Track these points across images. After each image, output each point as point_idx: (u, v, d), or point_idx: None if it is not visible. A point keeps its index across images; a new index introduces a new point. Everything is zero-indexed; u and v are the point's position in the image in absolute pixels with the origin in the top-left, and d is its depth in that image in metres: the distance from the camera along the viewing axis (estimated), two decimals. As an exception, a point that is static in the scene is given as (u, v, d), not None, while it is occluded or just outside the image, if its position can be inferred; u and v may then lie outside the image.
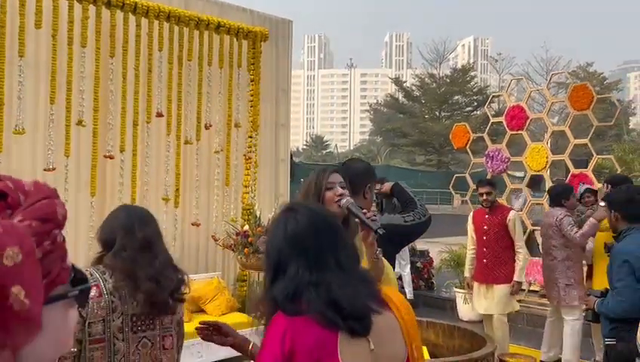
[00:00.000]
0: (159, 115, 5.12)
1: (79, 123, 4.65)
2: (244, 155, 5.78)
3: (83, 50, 4.65)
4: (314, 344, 1.20)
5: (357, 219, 2.17)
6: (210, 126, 5.52)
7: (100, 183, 4.96)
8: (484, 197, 5.12)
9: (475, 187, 6.47)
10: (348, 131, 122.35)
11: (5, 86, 4.27)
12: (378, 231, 2.10)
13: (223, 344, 1.88)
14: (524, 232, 6.11)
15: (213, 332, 1.91)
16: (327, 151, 60.24)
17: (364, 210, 2.17)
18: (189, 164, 5.50)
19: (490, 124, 7.66)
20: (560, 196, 5.15)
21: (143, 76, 5.04)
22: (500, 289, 4.98)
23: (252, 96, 5.83)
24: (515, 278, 4.93)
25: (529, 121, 7.03)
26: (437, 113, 31.39)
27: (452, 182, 8.04)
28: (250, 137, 5.83)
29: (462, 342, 4.54)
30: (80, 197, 4.81)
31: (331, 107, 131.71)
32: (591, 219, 4.83)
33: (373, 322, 1.25)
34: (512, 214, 5.00)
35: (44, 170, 4.50)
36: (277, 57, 6.38)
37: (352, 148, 72.95)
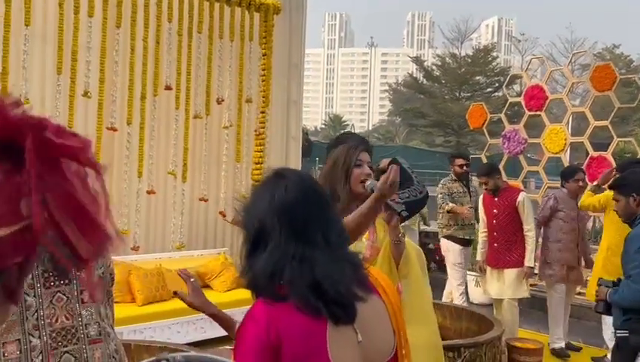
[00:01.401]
0: (168, 87, 5.04)
1: (85, 94, 4.59)
2: (255, 131, 5.69)
3: (90, 19, 4.57)
4: (301, 335, 1.08)
5: None
6: (222, 100, 5.43)
7: (106, 156, 4.91)
8: (484, 186, 5.03)
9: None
10: (367, 111, 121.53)
11: (10, 55, 4.22)
12: (402, 213, 2.02)
13: (202, 309, 1.76)
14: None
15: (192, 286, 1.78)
16: (345, 131, 59.91)
17: None
18: (199, 138, 5.43)
19: (507, 104, 7.45)
20: (562, 178, 5.03)
21: (151, 48, 4.95)
22: (511, 274, 4.86)
23: (264, 70, 5.71)
24: (526, 263, 4.80)
25: (548, 101, 6.82)
26: (457, 94, 30.79)
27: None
28: (262, 113, 5.73)
29: (469, 324, 4.45)
30: (86, 170, 4.76)
31: (351, 87, 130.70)
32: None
33: (358, 310, 1.14)
34: (521, 196, 4.85)
35: (50, 141, 4.45)
36: (290, 32, 6.23)
37: (370, 128, 72.46)
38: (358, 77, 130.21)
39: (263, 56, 5.68)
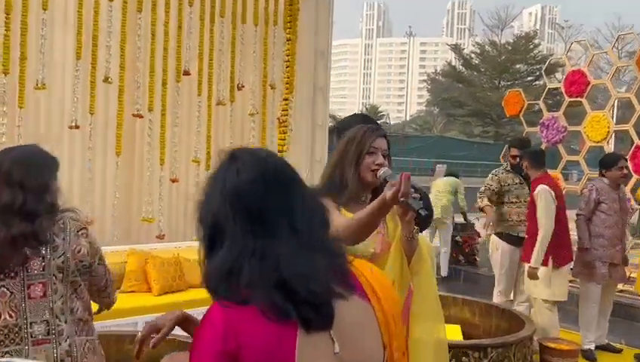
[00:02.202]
0: (187, 73, 4.93)
1: (105, 80, 4.51)
2: (278, 118, 5.53)
3: (110, 4, 4.48)
4: (265, 343, 0.90)
5: None
6: (243, 87, 5.29)
7: (128, 143, 4.84)
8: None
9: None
10: (404, 102, 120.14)
11: (29, 40, 4.17)
12: (420, 211, 1.82)
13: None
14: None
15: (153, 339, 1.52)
16: (382, 121, 59.39)
17: None
18: (222, 125, 5.32)
19: (546, 91, 7.09)
20: (600, 166, 4.66)
21: (172, 33, 4.84)
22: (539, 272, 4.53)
23: (288, 56, 5.54)
24: (531, 263, 4.44)
25: (590, 87, 6.44)
26: (496, 82, 30.00)
27: (502, 152, 7.54)
28: (286, 100, 5.57)
29: (499, 322, 4.20)
30: (105, 157, 4.71)
31: (388, 77, 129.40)
32: None
33: (336, 313, 0.94)
34: (539, 188, 4.47)
35: (69, 127, 4.41)
36: (317, 17, 6.03)
37: (408, 118, 71.64)
38: (396, 67, 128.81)
39: (288, 41, 5.51)
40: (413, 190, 1.89)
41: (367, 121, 2.42)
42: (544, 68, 8.33)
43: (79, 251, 1.79)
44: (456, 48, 35.25)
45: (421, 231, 2.03)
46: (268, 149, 1.09)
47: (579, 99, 6.49)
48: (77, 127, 4.41)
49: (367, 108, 63.68)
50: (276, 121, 5.55)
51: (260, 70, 5.41)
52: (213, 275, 0.96)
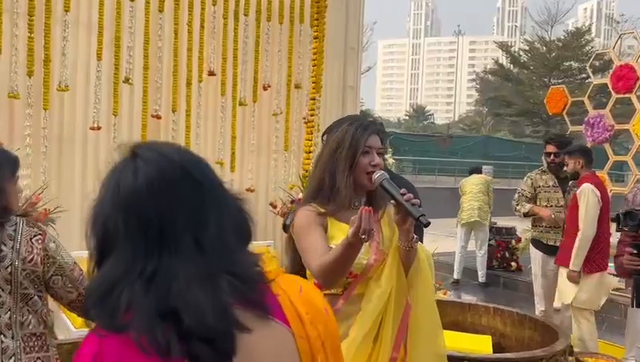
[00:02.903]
0: (211, 73, 4.86)
1: (126, 81, 4.49)
2: (304, 118, 5.40)
3: (131, 4, 4.46)
4: None
5: (392, 201, 1.73)
6: (269, 86, 5.19)
7: (152, 144, 4.81)
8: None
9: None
10: (453, 102, 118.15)
11: (51, 42, 4.18)
12: (420, 219, 1.65)
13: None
14: None
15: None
16: (428, 122, 58.53)
17: (403, 190, 1.72)
18: (246, 126, 5.23)
19: (591, 87, 6.70)
20: None
21: (195, 32, 4.79)
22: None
23: (315, 54, 5.40)
24: (570, 266, 4.13)
25: (639, 82, 6.02)
26: (546, 80, 28.93)
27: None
28: (313, 99, 5.43)
29: (532, 333, 3.94)
30: (129, 158, 4.69)
31: (437, 77, 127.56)
32: None
33: (243, 343, 0.78)
34: (583, 186, 4.16)
35: (90, 128, 4.41)
36: (347, 13, 5.89)
37: (456, 118, 70.40)
38: (445, 66, 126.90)
39: (315, 39, 5.37)
40: (406, 195, 1.73)
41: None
42: (589, 63, 7.87)
43: (30, 260, 1.67)
44: (504, 46, 34.24)
45: (420, 241, 1.86)
46: (182, 146, 0.91)
47: (627, 95, 6.09)
48: (99, 128, 4.41)
49: (413, 109, 62.94)
50: (302, 121, 5.42)
51: (284, 69, 5.29)
52: (90, 296, 0.81)
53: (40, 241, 1.69)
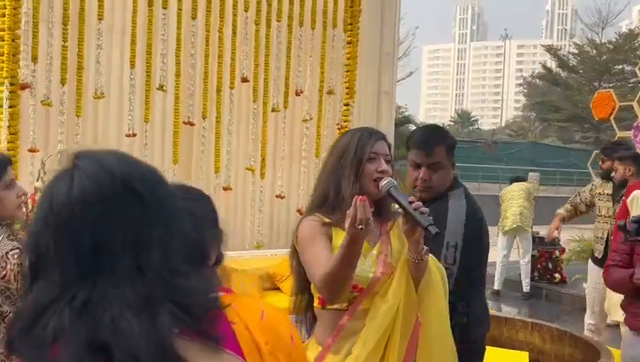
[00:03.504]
0: (244, 80, 4.85)
1: (160, 88, 4.52)
2: (337, 125, 5.32)
3: (164, 11, 4.49)
4: None
5: (400, 209, 1.65)
6: (301, 92, 5.14)
7: (184, 151, 4.84)
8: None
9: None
10: (500, 107, 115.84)
11: (85, 50, 4.24)
12: (429, 228, 1.57)
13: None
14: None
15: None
16: (474, 127, 57.50)
17: (412, 198, 1.63)
18: (278, 132, 5.19)
19: (640, 91, 6.37)
20: None
21: (227, 39, 4.78)
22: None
23: (348, 60, 5.32)
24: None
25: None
26: (596, 84, 27.91)
27: (591, 159, 6.87)
28: (346, 105, 5.35)
29: (573, 351, 3.74)
30: (160, 165, 4.72)
31: (483, 82, 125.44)
32: None
33: None
34: (635, 193, 3.91)
35: (126, 135, 4.45)
36: (382, 18, 5.79)
37: (503, 124, 68.95)
38: (491, 71, 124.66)
39: (348, 44, 5.29)
40: (414, 203, 1.62)
41: (419, 138, 2.24)
42: (638, 66, 7.52)
43: (3, 276, 1.60)
44: (552, 49, 33.28)
45: (431, 252, 1.75)
46: (126, 154, 0.81)
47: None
48: (134, 134, 4.45)
49: (458, 114, 61.95)
50: (335, 127, 5.34)
51: (316, 75, 5.23)
52: (13, 326, 0.72)
53: (16, 256, 1.61)
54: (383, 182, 1.66)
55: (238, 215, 5.16)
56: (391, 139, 5.97)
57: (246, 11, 4.82)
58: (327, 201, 1.78)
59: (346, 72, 5.32)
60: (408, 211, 1.61)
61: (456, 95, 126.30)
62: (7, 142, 3.94)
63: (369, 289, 1.71)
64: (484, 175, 20.87)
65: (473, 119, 59.66)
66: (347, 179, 1.74)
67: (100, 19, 4.26)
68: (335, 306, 1.74)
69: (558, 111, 29.44)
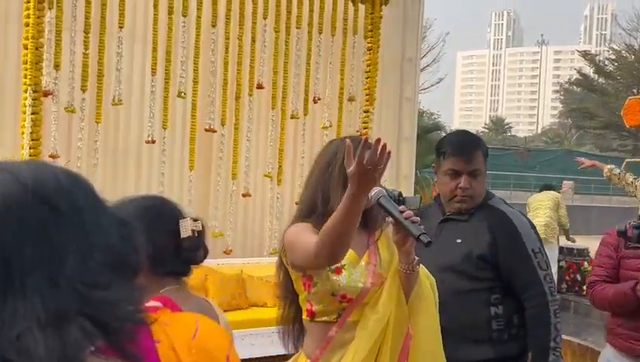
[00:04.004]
0: (260, 86, 4.86)
1: (179, 95, 4.57)
2: (357, 132, 5.28)
3: (184, 19, 4.54)
4: None
5: (390, 219, 1.61)
6: (319, 99, 5.12)
7: (203, 158, 4.87)
8: None
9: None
10: (536, 114, 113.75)
11: (105, 57, 4.32)
12: (421, 238, 1.53)
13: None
14: None
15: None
16: (509, 134, 56.57)
17: (402, 207, 1.59)
18: (297, 139, 5.18)
19: (674, 97, 6.14)
20: None
21: (246, 46, 4.80)
22: None
23: (369, 66, 5.28)
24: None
25: None
26: (635, 91, 27.16)
27: (622, 167, 6.64)
28: (366, 112, 5.30)
29: (594, 368, 3.61)
30: (181, 171, 4.76)
31: (519, 88, 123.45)
32: None
33: None
34: None
35: (145, 141, 4.50)
36: (404, 23, 5.74)
37: (539, 131, 67.64)
38: (527, 77, 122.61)
39: (368, 51, 5.25)
40: (405, 212, 1.58)
41: (457, 144, 2.14)
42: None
43: None
44: (587, 55, 32.50)
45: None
46: (45, 163, 0.78)
47: None
48: (153, 141, 4.50)
49: (492, 121, 61.06)
50: (355, 134, 5.30)
51: (336, 82, 5.20)
52: None
53: None
54: (372, 192, 1.62)
55: (257, 221, 5.16)
56: (413, 145, 5.97)
57: (265, 19, 4.83)
58: (316, 211, 1.75)
59: (366, 78, 5.28)
60: (399, 221, 1.57)
61: (490, 101, 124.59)
62: (30, 148, 4.02)
63: (358, 299, 1.67)
64: (515, 183, 20.46)
65: (507, 126, 58.68)
66: (335, 190, 1.71)
67: (121, 27, 4.33)
68: (324, 318, 1.71)
69: (594, 119, 28.74)
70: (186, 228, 1.43)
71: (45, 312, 0.64)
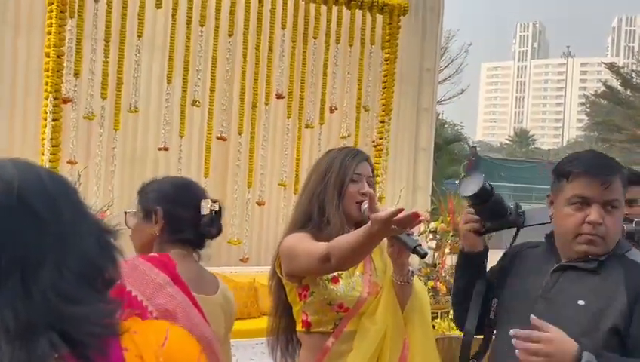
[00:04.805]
0: (279, 96, 4.88)
1: (194, 103, 4.61)
2: (373, 142, 5.27)
3: (201, 28, 4.60)
4: None
5: None
6: (336, 109, 5.13)
7: (219, 166, 4.91)
8: None
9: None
10: (561, 126, 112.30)
11: (124, 66, 4.39)
12: (417, 250, 1.52)
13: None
14: None
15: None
16: (534, 146, 55.90)
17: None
18: (313, 148, 5.19)
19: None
20: None
21: (263, 56, 4.84)
22: None
23: (386, 77, 5.28)
24: None
25: None
26: (662, 104, 26.71)
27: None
28: (382, 122, 5.30)
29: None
30: (194, 179, 4.77)
31: (544, 100, 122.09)
32: None
33: None
34: None
35: (158, 148, 4.55)
36: (423, 33, 5.74)
37: (564, 144, 66.76)
38: (553, 89, 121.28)
39: (386, 61, 5.25)
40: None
41: (590, 161, 1.55)
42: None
43: None
44: (613, 67, 32.03)
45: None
46: (30, 163, 0.76)
47: None
48: (166, 148, 4.54)
49: (516, 133, 60.42)
50: (371, 144, 5.29)
51: (354, 91, 5.21)
52: None
53: None
54: (365, 205, 1.62)
55: (271, 230, 5.17)
56: (430, 156, 5.94)
57: (283, 29, 4.86)
58: (311, 222, 1.75)
59: (383, 88, 5.27)
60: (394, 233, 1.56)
61: (515, 113, 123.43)
62: (50, 154, 4.10)
63: (355, 309, 1.68)
64: (537, 195, 20.18)
65: (532, 138, 58.02)
66: (330, 201, 1.72)
67: (140, 36, 4.39)
68: (320, 329, 1.71)
69: (620, 132, 28.26)
70: (206, 207, 1.66)
71: (16, 322, 0.64)
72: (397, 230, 1.45)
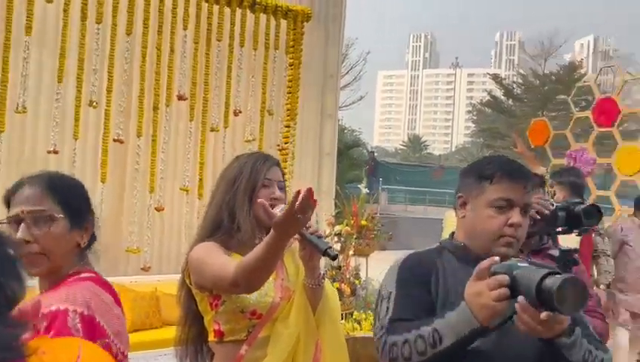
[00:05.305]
0: (181, 97, 4.74)
1: (90, 104, 4.36)
2: (277, 146, 5.27)
3: (98, 26, 4.36)
4: None
5: (296, 236, 1.58)
6: (240, 112, 5.07)
7: (117, 170, 4.68)
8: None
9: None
10: (450, 133, 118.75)
11: (10, 63, 4.06)
12: (328, 252, 1.51)
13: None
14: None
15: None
16: (426, 152, 58.64)
17: (309, 224, 1.55)
18: (217, 152, 5.09)
19: (573, 120, 6.61)
20: (635, 206, 4.21)
21: (164, 56, 4.68)
22: None
23: (290, 81, 5.30)
24: None
25: (620, 116, 5.93)
26: (540, 113, 29.14)
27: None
28: (287, 126, 5.31)
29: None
30: (90, 184, 4.53)
31: (435, 108, 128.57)
32: None
33: None
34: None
35: (47, 151, 4.26)
36: (326, 40, 5.82)
37: (453, 149, 70.64)
38: (443, 98, 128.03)
39: (290, 66, 5.27)
40: (310, 228, 1.58)
41: (511, 165, 1.56)
42: (570, 96, 7.83)
43: None
44: (497, 78, 34.51)
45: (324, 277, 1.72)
46: None
47: (609, 129, 5.99)
48: (55, 151, 4.26)
49: (410, 139, 63.12)
50: (276, 148, 5.29)
51: (258, 95, 5.17)
52: None
53: None
54: (277, 210, 1.61)
55: (173, 237, 5.01)
56: (334, 161, 6.03)
57: (185, 29, 4.73)
58: (221, 229, 1.71)
59: (288, 93, 5.29)
60: (305, 236, 1.56)
61: (408, 120, 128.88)
62: None
63: (269, 315, 1.66)
64: (430, 198, 21.22)
65: (424, 144, 60.85)
66: (240, 206, 1.69)
67: (28, 34, 4.08)
68: (234, 337, 1.68)
69: (503, 138, 30.42)
70: None
71: None
72: (302, 219, 1.43)
